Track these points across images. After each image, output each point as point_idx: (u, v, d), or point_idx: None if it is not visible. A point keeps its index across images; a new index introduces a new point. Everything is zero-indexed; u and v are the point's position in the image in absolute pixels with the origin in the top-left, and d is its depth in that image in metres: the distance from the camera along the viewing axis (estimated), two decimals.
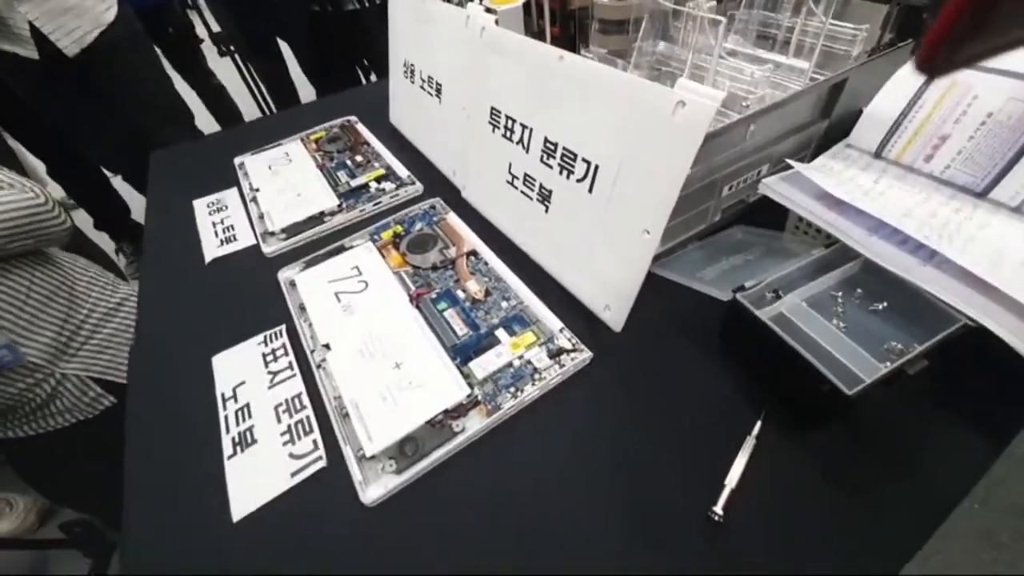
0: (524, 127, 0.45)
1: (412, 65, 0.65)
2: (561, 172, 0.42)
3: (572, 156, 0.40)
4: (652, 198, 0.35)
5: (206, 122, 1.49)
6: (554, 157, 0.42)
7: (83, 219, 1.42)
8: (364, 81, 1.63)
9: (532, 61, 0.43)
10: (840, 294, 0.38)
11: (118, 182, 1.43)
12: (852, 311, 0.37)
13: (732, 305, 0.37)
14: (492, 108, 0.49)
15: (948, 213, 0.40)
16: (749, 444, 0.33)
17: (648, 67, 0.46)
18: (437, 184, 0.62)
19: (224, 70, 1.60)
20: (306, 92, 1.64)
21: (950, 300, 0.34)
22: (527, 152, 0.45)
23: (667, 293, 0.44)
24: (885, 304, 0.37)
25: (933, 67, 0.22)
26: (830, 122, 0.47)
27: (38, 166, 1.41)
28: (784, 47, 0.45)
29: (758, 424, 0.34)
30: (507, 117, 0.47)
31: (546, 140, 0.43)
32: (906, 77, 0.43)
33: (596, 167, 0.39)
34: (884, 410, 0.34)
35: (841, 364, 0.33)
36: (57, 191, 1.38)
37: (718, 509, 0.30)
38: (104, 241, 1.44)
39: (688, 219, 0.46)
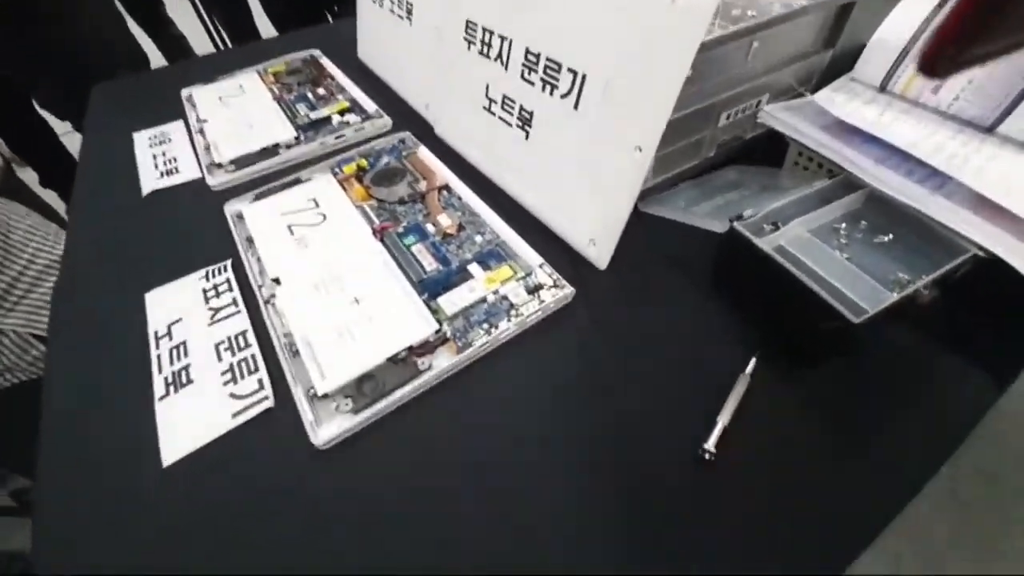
0: (503, 39, 0.40)
1: None
2: (544, 88, 0.38)
3: (556, 67, 0.36)
4: (646, 107, 0.31)
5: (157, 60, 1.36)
6: (536, 71, 0.38)
7: (31, 177, 1.30)
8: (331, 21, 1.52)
9: None
10: (843, 226, 0.35)
11: (68, 140, 1.30)
12: (856, 244, 0.34)
13: (729, 235, 0.34)
14: (468, 22, 0.44)
15: (955, 146, 0.37)
16: (743, 381, 0.30)
17: None
18: (408, 120, 0.56)
19: (183, 17, 1.47)
20: (265, 30, 1.51)
21: (961, 228, 0.32)
22: (506, 69, 0.41)
23: (656, 230, 0.41)
24: (891, 236, 0.34)
25: (937, 68, 0.21)
26: (834, 53, 0.44)
27: None
28: None
29: (752, 361, 0.31)
30: (484, 30, 0.42)
31: (527, 52, 0.38)
32: (914, 2, 0.40)
33: (583, 77, 0.34)
34: (887, 346, 0.32)
35: (845, 295, 0.30)
36: None
37: (709, 446, 0.28)
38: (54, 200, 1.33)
39: (681, 150, 0.42)
